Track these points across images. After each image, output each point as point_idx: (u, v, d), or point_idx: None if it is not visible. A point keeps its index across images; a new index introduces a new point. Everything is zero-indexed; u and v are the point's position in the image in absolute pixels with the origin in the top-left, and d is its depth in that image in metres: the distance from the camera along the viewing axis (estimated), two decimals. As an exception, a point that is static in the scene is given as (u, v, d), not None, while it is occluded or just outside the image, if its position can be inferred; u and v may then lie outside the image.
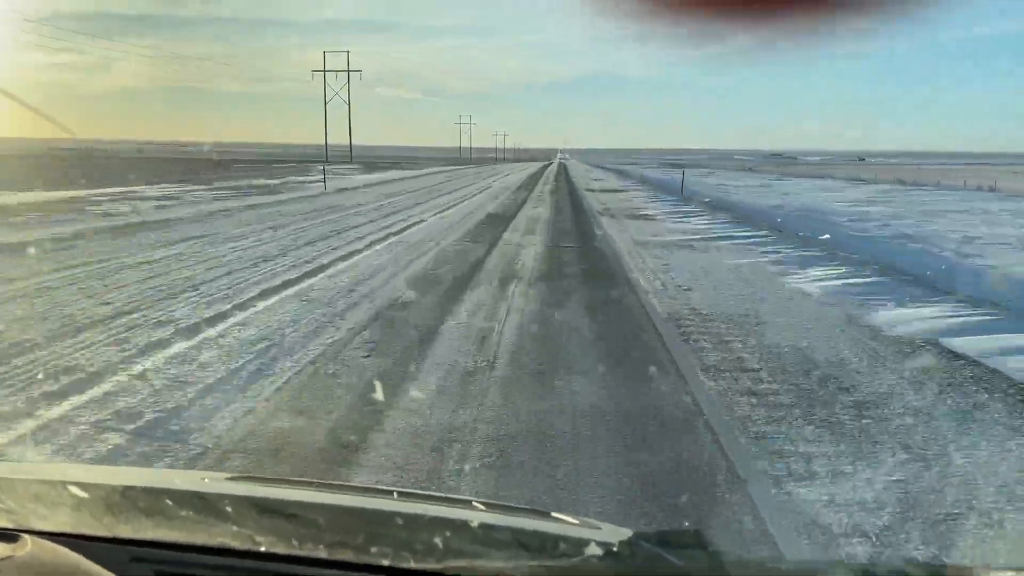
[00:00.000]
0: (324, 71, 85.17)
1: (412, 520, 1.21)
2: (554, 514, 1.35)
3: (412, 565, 1.03)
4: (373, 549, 1.05)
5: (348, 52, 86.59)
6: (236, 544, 1.07)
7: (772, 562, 1.65)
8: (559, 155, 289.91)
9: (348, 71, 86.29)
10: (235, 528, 1.12)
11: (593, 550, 1.02)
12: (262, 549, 1.05)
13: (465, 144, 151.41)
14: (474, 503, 1.40)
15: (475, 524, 1.17)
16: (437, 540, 1.07)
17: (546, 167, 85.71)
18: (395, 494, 1.40)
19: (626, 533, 1.08)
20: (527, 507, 1.32)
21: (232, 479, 1.70)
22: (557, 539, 1.13)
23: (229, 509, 1.20)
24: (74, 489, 1.21)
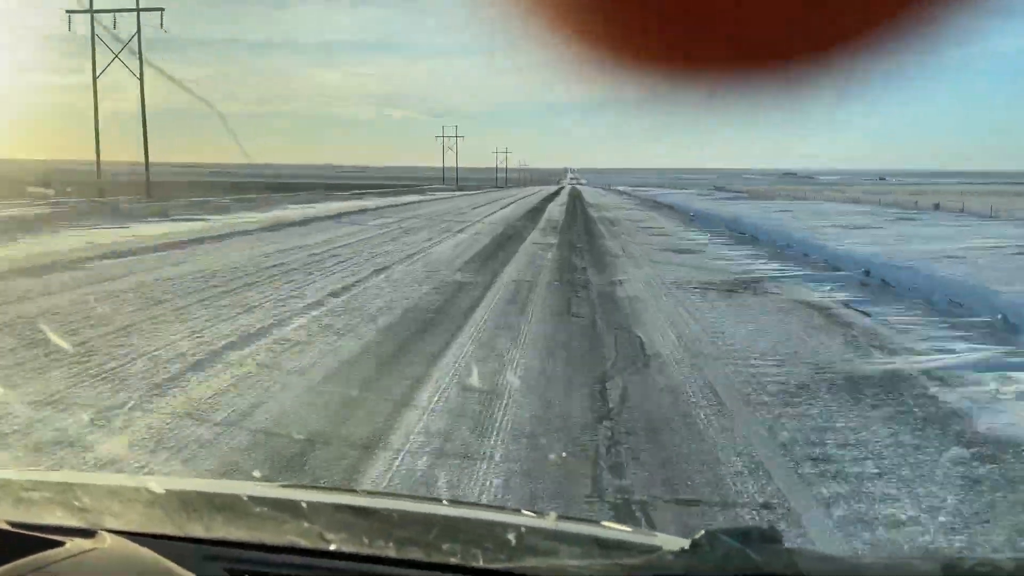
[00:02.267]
0: (91, 11, 36.76)
1: (477, 523, 1.25)
2: (604, 523, 1.39)
3: (482, 564, 1.07)
4: (444, 546, 1.10)
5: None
6: (306, 543, 1.11)
7: (852, 559, 1.66)
8: (569, 176, 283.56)
9: (138, 9, 36.75)
10: (305, 526, 1.17)
11: (670, 546, 1.05)
12: (332, 548, 1.10)
13: (442, 163, 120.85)
14: (523, 511, 1.45)
15: (541, 526, 1.21)
16: (510, 539, 1.11)
17: (550, 198, 54.27)
18: (444, 501, 1.44)
19: (682, 541, 1.11)
20: (578, 516, 1.35)
21: (285, 487, 1.75)
22: (625, 541, 1.17)
23: (297, 510, 1.25)
24: (145, 491, 1.27)
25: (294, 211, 30.99)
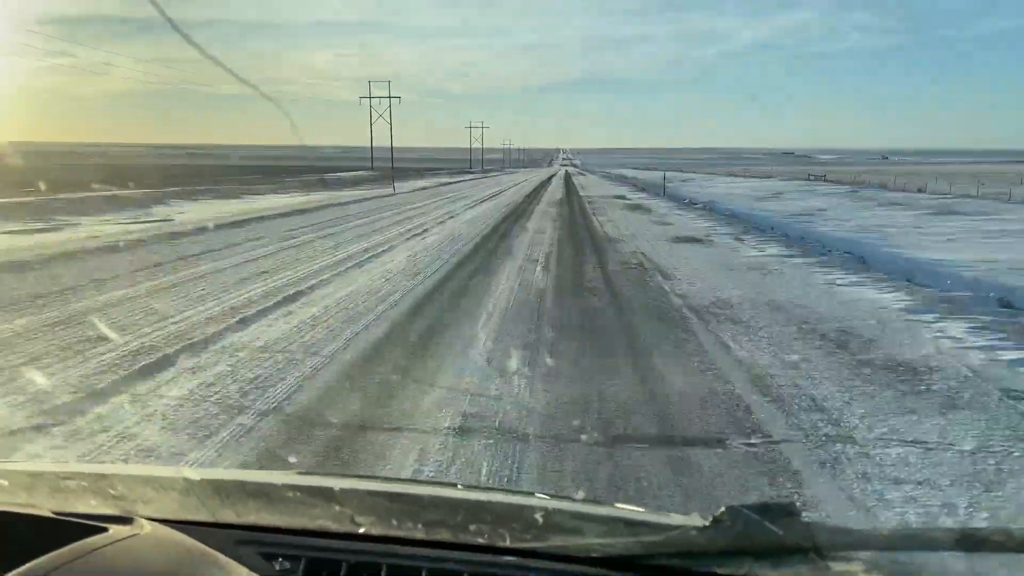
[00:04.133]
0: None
1: (502, 506, 1.32)
2: (618, 505, 1.45)
3: (508, 543, 1.13)
4: (471, 527, 1.16)
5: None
6: (337, 527, 1.18)
7: (870, 530, 1.72)
8: (562, 156, 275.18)
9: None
10: (336, 510, 1.23)
11: (694, 522, 1.12)
12: (361, 531, 1.16)
13: (371, 141, 72.98)
14: (546, 495, 1.52)
15: (564, 508, 1.28)
16: (535, 519, 1.18)
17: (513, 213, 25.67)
18: (470, 487, 1.52)
19: (701, 520, 1.18)
20: (599, 500, 1.40)
21: (316, 475, 1.80)
22: (647, 521, 1.24)
23: (327, 495, 1.31)
24: (180, 480, 1.34)
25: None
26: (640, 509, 1.35)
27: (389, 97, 71.79)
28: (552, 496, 1.45)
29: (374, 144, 67.80)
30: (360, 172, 64.00)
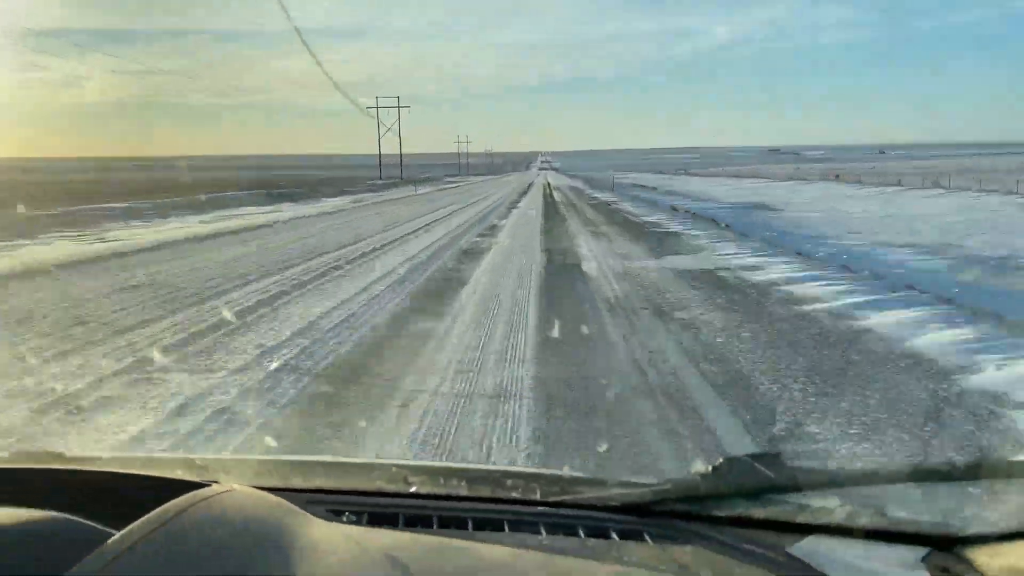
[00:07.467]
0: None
1: (530, 474, 1.62)
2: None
3: (539, 497, 1.41)
4: (508, 483, 1.45)
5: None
6: (392, 487, 1.46)
7: (842, 471, 1.99)
8: (540, 160, 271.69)
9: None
10: (393, 470, 1.51)
11: (696, 467, 1.40)
12: (413, 489, 1.44)
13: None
14: (566, 470, 1.81)
15: (583, 476, 1.56)
16: (563, 477, 1.46)
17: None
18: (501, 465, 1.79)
19: (700, 467, 1.45)
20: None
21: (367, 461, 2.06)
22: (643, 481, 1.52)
23: (383, 468, 1.60)
24: (251, 460, 1.61)
25: None
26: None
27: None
28: (568, 470, 1.76)
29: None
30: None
